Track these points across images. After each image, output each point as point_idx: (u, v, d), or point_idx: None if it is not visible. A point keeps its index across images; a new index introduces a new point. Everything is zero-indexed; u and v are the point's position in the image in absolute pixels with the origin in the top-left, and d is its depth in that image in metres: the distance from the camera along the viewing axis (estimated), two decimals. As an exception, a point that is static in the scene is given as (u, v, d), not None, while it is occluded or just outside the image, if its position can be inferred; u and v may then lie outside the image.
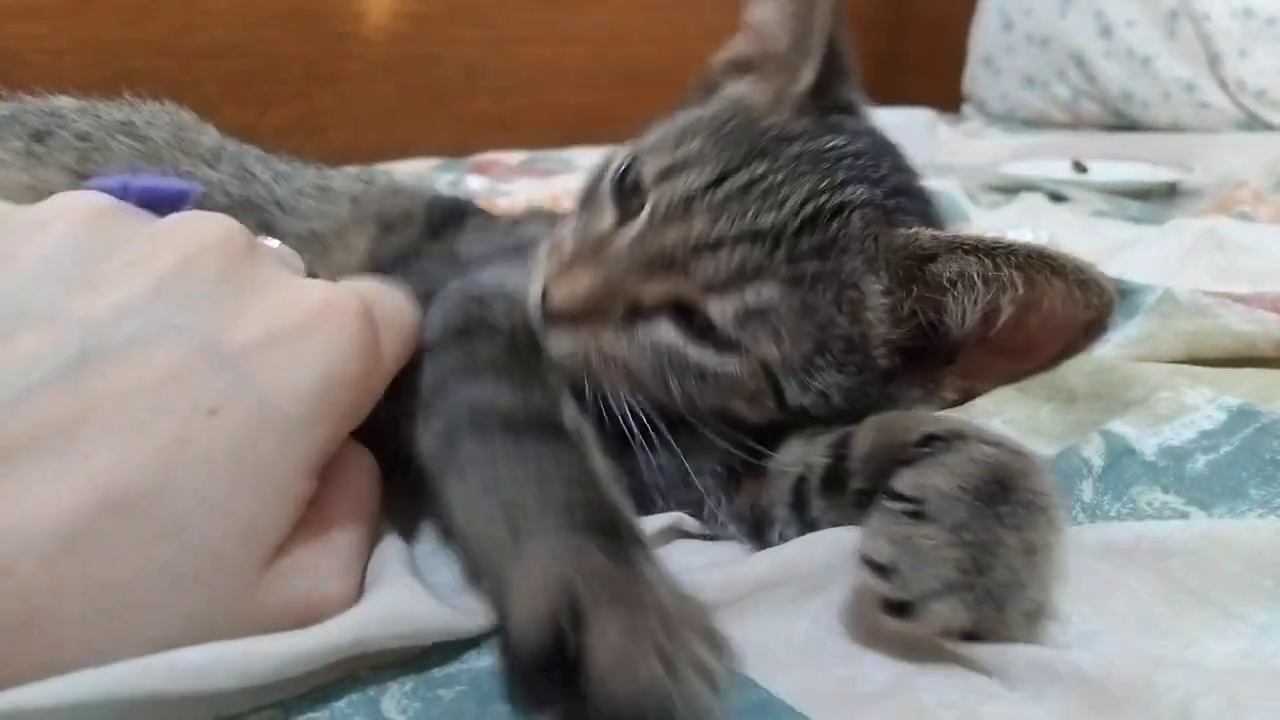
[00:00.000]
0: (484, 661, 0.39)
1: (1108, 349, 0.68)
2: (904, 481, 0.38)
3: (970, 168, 1.56)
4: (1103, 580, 0.40)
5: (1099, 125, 2.20)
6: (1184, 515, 0.49)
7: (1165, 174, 1.40)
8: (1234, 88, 1.95)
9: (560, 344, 0.48)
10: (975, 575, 0.35)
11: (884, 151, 0.53)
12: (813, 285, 0.46)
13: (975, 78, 2.47)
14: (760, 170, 0.47)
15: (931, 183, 1.32)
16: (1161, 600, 0.40)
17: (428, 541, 0.46)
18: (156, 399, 0.31)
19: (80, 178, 0.58)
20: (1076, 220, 1.19)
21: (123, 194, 0.40)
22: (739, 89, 0.56)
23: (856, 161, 0.49)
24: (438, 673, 0.38)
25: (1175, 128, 2.02)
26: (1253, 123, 1.93)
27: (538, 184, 1.51)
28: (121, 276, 0.34)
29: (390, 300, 0.42)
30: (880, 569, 0.36)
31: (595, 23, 2.34)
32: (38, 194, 0.53)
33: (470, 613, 0.39)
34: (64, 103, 0.66)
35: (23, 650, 0.29)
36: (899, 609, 0.36)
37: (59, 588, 0.29)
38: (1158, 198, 1.35)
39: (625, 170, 0.51)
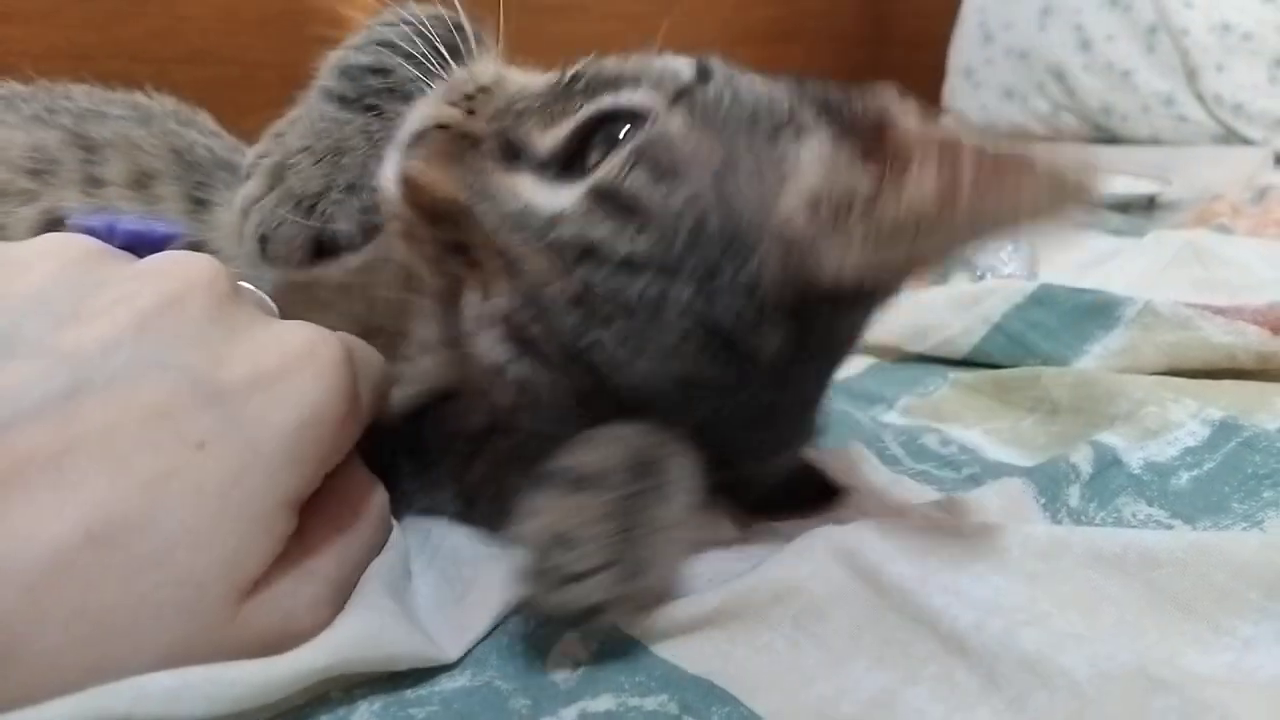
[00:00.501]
0: (457, 683, 0.38)
1: (1089, 360, 0.68)
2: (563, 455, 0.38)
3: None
4: (1090, 587, 0.40)
5: (1079, 138, 2.21)
6: (1168, 528, 0.48)
7: (1145, 186, 1.41)
8: (1211, 102, 1.96)
9: None
10: (626, 549, 0.36)
11: None
12: None
13: (955, 90, 2.48)
14: None
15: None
16: (1149, 610, 0.39)
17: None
18: (144, 432, 0.32)
19: (73, 135, 0.58)
20: (1057, 232, 1.20)
21: (108, 236, 0.40)
22: None
23: None
24: (410, 694, 0.37)
25: (1154, 140, 2.03)
26: (1230, 136, 1.94)
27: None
28: (109, 313, 0.34)
29: (365, 349, 0.43)
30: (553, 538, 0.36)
31: (576, 32, 2.34)
32: (32, 150, 0.55)
33: (450, 637, 0.39)
34: (73, 87, 0.66)
35: (1, 679, 0.28)
36: (558, 581, 0.35)
37: (41, 617, 0.29)
38: (1138, 210, 1.36)
39: None
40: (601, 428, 0.40)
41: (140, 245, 0.41)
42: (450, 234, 0.40)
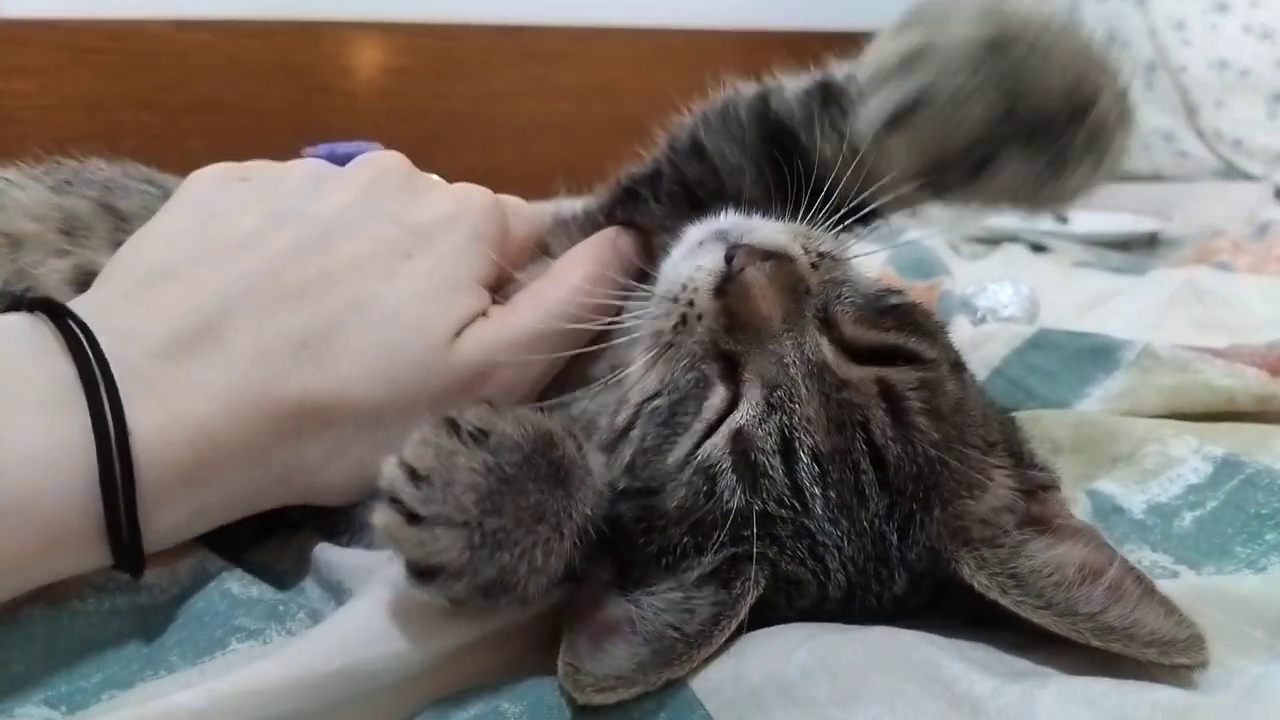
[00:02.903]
0: (469, 713, 0.39)
1: (1090, 403, 0.68)
2: (473, 413, 0.41)
3: (952, 217, 1.57)
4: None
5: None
6: (1174, 574, 0.49)
7: (1146, 224, 1.42)
8: (1211, 137, 1.98)
9: None
10: (489, 516, 0.38)
11: None
12: None
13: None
14: None
15: (913, 233, 1.33)
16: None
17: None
18: (374, 252, 0.50)
19: (101, 205, 0.62)
20: (1058, 271, 1.21)
21: (330, 157, 0.60)
22: None
23: None
24: None
25: (1156, 176, 2.05)
26: (1231, 171, 1.96)
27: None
28: (338, 190, 0.53)
29: (515, 201, 0.61)
30: (413, 475, 0.39)
31: (580, 78, 2.37)
32: (63, 211, 0.61)
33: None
34: (92, 161, 0.71)
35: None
36: (409, 518, 0.38)
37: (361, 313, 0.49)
38: (1139, 248, 1.37)
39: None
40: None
41: (352, 155, 0.58)
42: (730, 344, 0.45)
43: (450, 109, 2.18)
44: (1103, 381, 0.69)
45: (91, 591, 0.43)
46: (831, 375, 0.43)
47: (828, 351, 0.44)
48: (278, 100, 1.98)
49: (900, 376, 0.44)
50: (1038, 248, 1.32)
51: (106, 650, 0.42)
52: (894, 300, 0.49)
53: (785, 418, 0.42)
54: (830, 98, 0.52)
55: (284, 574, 0.51)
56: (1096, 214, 1.52)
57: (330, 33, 2.04)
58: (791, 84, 0.54)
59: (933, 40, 0.47)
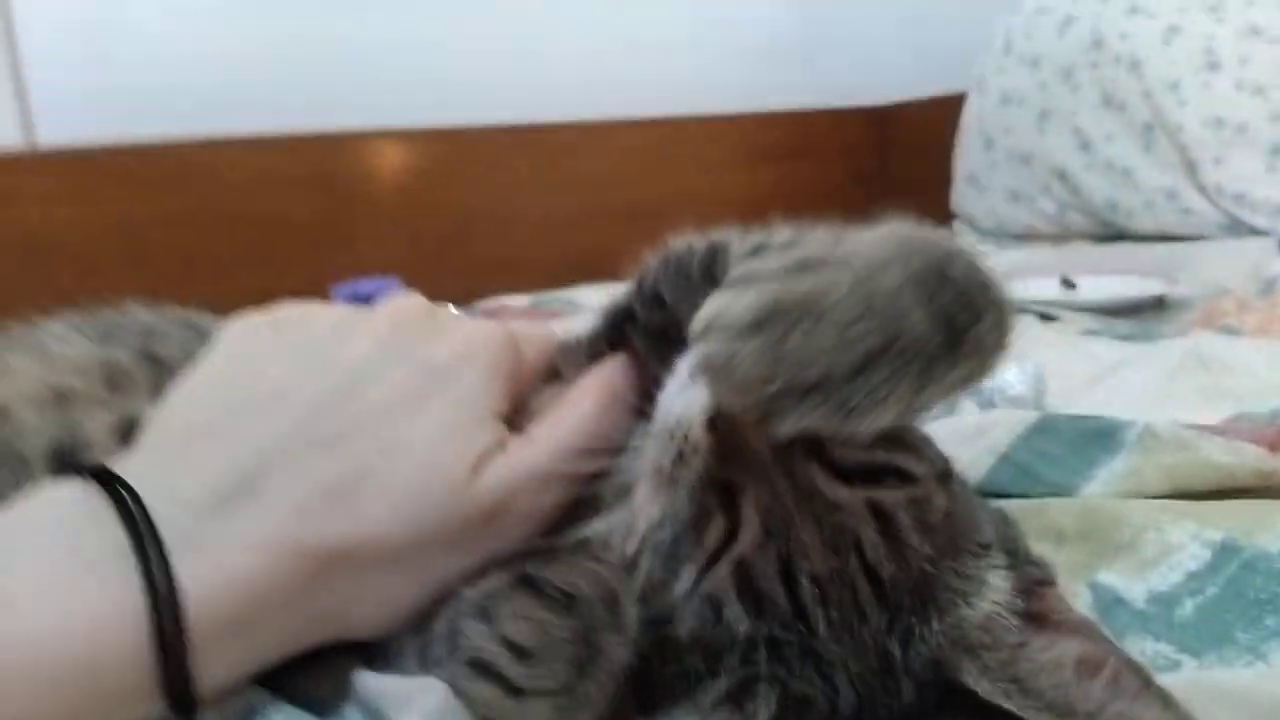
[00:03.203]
0: None
1: (1096, 485, 0.70)
2: (553, 574, 0.44)
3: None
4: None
5: (1087, 235, 2.25)
6: (1176, 664, 0.50)
7: (1152, 287, 1.44)
8: (1213, 193, 2.00)
9: None
10: (580, 681, 0.41)
11: None
12: None
13: (963, 195, 2.55)
14: None
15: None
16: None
17: None
18: (398, 397, 0.52)
19: (142, 354, 0.66)
20: (1065, 342, 1.22)
21: (354, 296, 0.63)
22: None
23: None
24: None
25: (1162, 234, 2.07)
26: (1236, 225, 1.97)
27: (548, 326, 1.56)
28: (362, 337, 0.55)
29: (528, 329, 0.63)
30: (513, 648, 0.41)
31: (592, 168, 2.44)
32: (106, 365, 0.64)
33: None
34: (131, 307, 0.74)
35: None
36: (510, 691, 0.40)
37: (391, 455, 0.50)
38: (1146, 312, 1.39)
39: None
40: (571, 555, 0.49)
41: (376, 293, 0.60)
42: (726, 473, 0.46)
43: (468, 206, 2.26)
44: (1107, 463, 0.71)
45: (150, 736, 0.45)
46: (822, 499, 0.45)
47: (817, 476, 0.46)
48: (304, 210, 2.06)
49: (889, 496, 0.46)
50: (1046, 317, 1.34)
51: (167, 791, 0.45)
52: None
53: (783, 545, 0.45)
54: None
55: (324, 700, 0.53)
56: (1103, 278, 1.55)
57: (351, 143, 2.13)
58: (738, 244, 0.54)
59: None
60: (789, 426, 0.39)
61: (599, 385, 0.58)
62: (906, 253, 0.41)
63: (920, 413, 0.41)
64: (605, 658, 0.42)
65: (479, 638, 0.42)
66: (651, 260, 0.58)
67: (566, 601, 0.43)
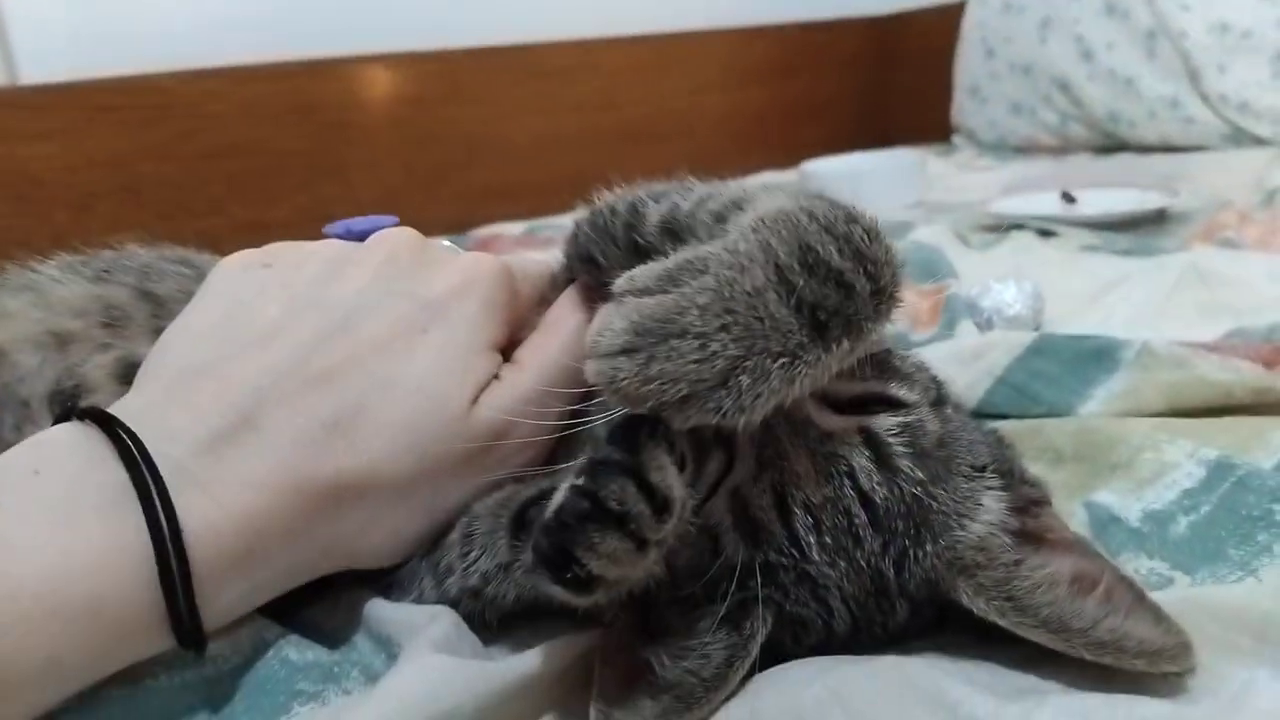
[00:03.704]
0: None
1: (1094, 404, 0.70)
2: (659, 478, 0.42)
3: (960, 208, 1.59)
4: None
5: (1089, 147, 2.23)
6: (1169, 580, 0.51)
7: (1153, 200, 1.43)
8: (1216, 102, 1.97)
9: None
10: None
11: None
12: None
13: (963, 108, 2.51)
14: None
15: (921, 232, 1.35)
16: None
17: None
18: (393, 331, 0.53)
19: (139, 292, 0.65)
20: (1064, 258, 1.22)
21: (347, 234, 0.62)
22: None
23: None
24: None
25: (1164, 144, 2.05)
26: (1239, 135, 1.95)
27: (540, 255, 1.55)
28: (355, 274, 0.56)
29: (523, 261, 0.64)
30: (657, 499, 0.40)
31: (586, 91, 2.40)
32: (103, 302, 0.63)
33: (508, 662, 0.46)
34: (129, 246, 0.73)
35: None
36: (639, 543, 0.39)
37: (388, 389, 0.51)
38: (1147, 225, 1.38)
39: None
40: None
41: (369, 231, 0.61)
42: None
43: (462, 132, 2.22)
44: (1105, 382, 0.71)
45: (163, 669, 0.47)
46: (815, 429, 0.47)
47: (810, 407, 0.47)
48: (292, 140, 2.02)
49: (881, 423, 0.47)
50: (1046, 233, 1.33)
51: (180, 720, 0.46)
52: (871, 349, 0.51)
53: (776, 475, 0.46)
54: (673, 233, 0.53)
55: (335, 630, 0.54)
56: (1104, 191, 1.53)
57: (338, 69, 2.08)
58: (654, 211, 0.54)
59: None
60: (679, 425, 0.41)
61: (576, 302, 0.58)
62: (776, 241, 0.43)
63: (806, 393, 0.42)
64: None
65: (620, 488, 0.39)
66: (581, 219, 0.59)
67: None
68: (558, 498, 0.40)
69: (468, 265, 0.58)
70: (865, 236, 0.44)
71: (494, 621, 0.51)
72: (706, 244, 0.45)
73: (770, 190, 0.51)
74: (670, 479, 0.41)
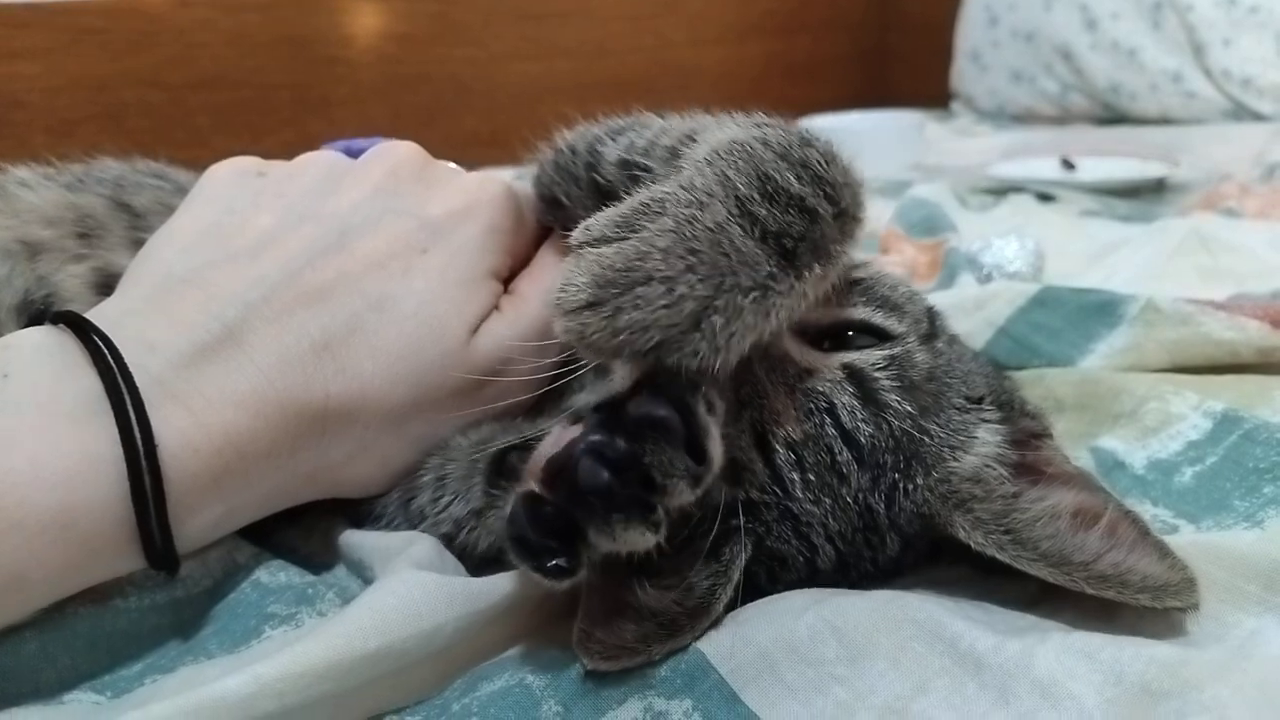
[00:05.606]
0: (495, 685, 0.41)
1: (1094, 359, 0.69)
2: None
3: (959, 170, 1.57)
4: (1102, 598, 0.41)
5: (1088, 118, 2.21)
6: (1173, 528, 0.50)
7: (1153, 169, 1.41)
8: (1220, 77, 1.95)
9: None
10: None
11: None
12: None
13: (963, 74, 2.48)
14: None
15: (920, 189, 1.33)
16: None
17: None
18: (391, 250, 0.51)
19: (114, 203, 0.62)
20: (1064, 221, 1.20)
21: (348, 151, 0.59)
22: None
23: None
24: (456, 706, 0.41)
25: (1164, 118, 2.03)
26: (1240, 111, 1.93)
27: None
28: (353, 186, 0.53)
29: (527, 188, 0.60)
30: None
31: (581, 37, 2.35)
32: (77, 210, 0.60)
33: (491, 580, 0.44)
34: (102, 159, 0.70)
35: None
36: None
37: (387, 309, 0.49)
38: (1146, 194, 1.36)
39: None
40: None
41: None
42: None
43: (452, 74, 2.17)
44: (1106, 337, 0.70)
45: (132, 589, 0.45)
46: (794, 366, 0.45)
47: (789, 344, 0.46)
48: (280, 73, 1.98)
49: (866, 358, 0.46)
50: (1045, 197, 1.31)
51: (147, 641, 0.44)
52: (859, 274, 0.50)
53: (755, 413, 0.44)
54: (632, 172, 0.51)
55: (311, 555, 0.52)
56: (1104, 160, 1.51)
57: (328, 2, 2.03)
58: (611, 150, 0.52)
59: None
60: (659, 371, 0.38)
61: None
62: (733, 173, 0.41)
63: (783, 326, 0.40)
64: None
65: (669, 460, 0.38)
66: (544, 159, 0.57)
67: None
68: (554, 453, 0.38)
69: (472, 186, 0.56)
70: (822, 160, 0.42)
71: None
72: (662, 183, 0.43)
73: (721, 120, 0.50)
74: (717, 448, 0.39)
